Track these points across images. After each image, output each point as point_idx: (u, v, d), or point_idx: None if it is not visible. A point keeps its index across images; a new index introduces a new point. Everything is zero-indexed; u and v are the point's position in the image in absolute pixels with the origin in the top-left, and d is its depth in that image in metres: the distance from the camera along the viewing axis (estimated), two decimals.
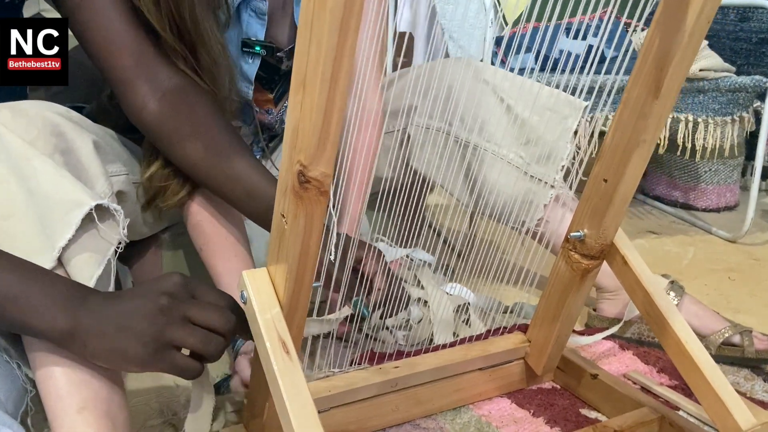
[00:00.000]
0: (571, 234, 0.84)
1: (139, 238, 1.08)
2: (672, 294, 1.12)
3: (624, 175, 0.77)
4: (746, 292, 1.40)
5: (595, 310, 1.21)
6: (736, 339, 1.09)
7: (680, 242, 1.70)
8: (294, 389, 0.60)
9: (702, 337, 1.09)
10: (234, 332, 0.66)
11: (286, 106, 1.21)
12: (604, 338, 1.14)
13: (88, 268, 0.71)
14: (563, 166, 1.14)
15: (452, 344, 0.95)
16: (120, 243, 0.75)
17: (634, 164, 0.77)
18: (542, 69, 1.36)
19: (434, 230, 1.63)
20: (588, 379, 0.97)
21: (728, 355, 1.08)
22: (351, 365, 0.87)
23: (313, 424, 0.59)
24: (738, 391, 1.00)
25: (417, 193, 1.03)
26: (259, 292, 0.65)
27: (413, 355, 0.91)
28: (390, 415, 0.89)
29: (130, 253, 1.13)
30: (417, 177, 1.19)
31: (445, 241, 1.54)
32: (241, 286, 0.66)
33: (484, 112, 1.15)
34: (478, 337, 0.96)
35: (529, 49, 1.51)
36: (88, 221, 0.72)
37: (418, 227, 1.07)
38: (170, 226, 1.13)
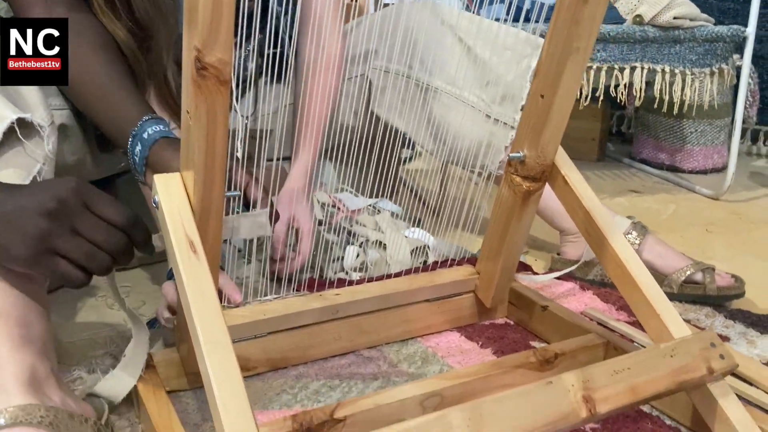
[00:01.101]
0: (511, 155, 0.83)
1: (91, 179, 1.08)
2: (634, 234, 1.10)
3: (559, 88, 0.76)
4: (722, 243, 1.37)
5: (558, 254, 1.19)
6: (698, 277, 1.06)
7: (661, 200, 1.67)
8: (198, 287, 0.59)
9: (664, 276, 1.07)
10: (124, 253, 0.66)
11: (249, 50, 1.20)
12: (565, 279, 1.12)
13: (12, 182, 0.71)
14: (523, 106, 1.13)
15: (397, 275, 0.93)
16: (46, 161, 0.75)
17: (569, 74, 0.75)
18: (515, 20, 1.34)
19: (408, 187, 1.62)
20: (539, 311, 0.95)
21: (690, 293, 1.06)
22: (289, 292, 0.86)
23: (216, 323, 0.58)
24: (698, 327, 0.99)
25: (383, 144, 1.03)
26: (169, 195, 0.64)
27: (355, 284, 0.90)
28: (332, 343, 0.88)
29: None
30: (381, 125, 1.18)
31: (417, 196, 1.53)
32: (154, 191, 0.65)
33: (443, 54, 1.14)
34: (425, 269, 0.95)
35: (501, 0, 1.49)
36: (13, 137, 0.71)
37: (386, 179, 1.06)
38: (126, 172, 1.13)
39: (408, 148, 2.05)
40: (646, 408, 0.80)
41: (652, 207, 1.60)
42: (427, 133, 1.20)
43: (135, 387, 0.75)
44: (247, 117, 1.18)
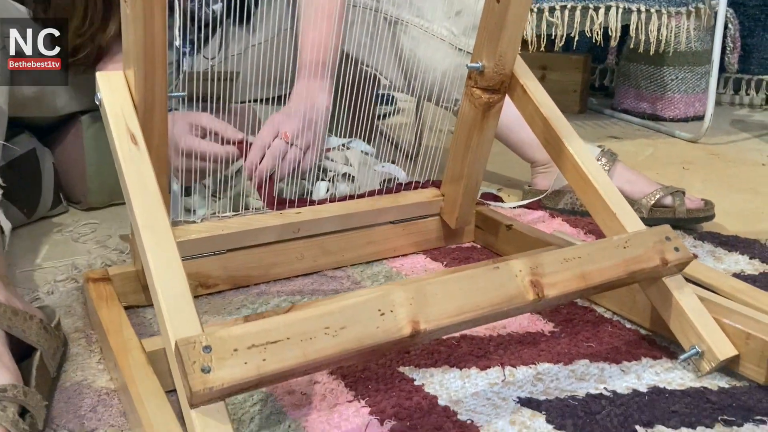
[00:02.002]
0: (470, 65, 0.82)
1: (54, 115, 1.07)
2: (603, 160, 1.09)
3: None
4: (698, 179, 1.36)
5: (529, 186, 1.18)
6: (668, 200, 1.06)
7: (640, 144, 1.66)
8: (138, 176, 0.59)
9: (634, 201, 1.06)
10: None
11: None
12: (535, 208, 1.12)
13: None
14: None
15: (360, 195, 0.93)
16: None
17: None
18: None
19: (385, 136, 1.61)
20: (503, 231, 0.95)
21: (660, 216, 1.05)
22: (248, 210, 0.85)
23: (155, 208, 0.57)
24: None
25: (354, 84, 1.01)
26: (111, 92, 0.63)
27: (317, 204, 0.89)
28: (295, 263, 0.88)
29: (51, 137, 1.12)
30: (351, 63, 1.16)
31: (393, 144, 1.52)
32: (97, 89, 0.64)
33: None
34: (389, 191, 0.95)
35: None
36: None
37: (359, 119, 1.05)
38: (92, 110, 1.12)
39: (388, 104, 2.05)
40: (606, 313, 0.80)
41: (630, 150, 1.60)
42: (397, 69, 1.19)
43: (88, 298, 0.74)
44: (213, 59, 1.17)
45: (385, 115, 1.97)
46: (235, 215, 0.84)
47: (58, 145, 1.11)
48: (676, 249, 0.69)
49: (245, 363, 0.49)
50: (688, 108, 1.89)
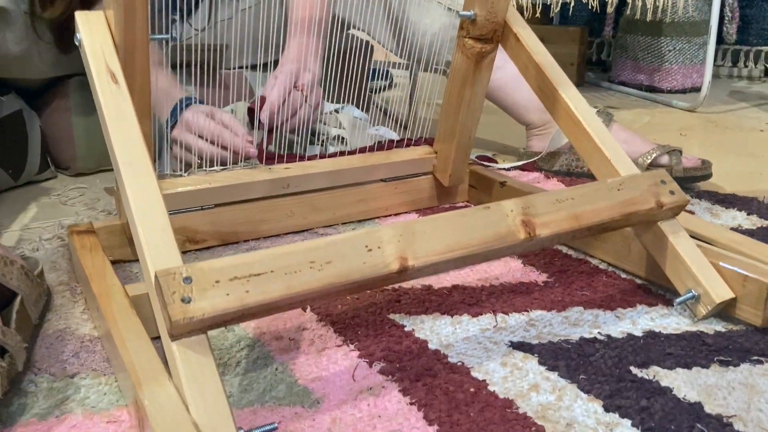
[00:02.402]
0: (462, 13, 0.80)
1: (40, 77, 1.05)
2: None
3: None
4: (695, 143, 1.35)
5: (525, 149, 1.17)
6: (664, 159, 1.04)
7: (637, 113, 1.64)
8: (118, 113, 0.57)
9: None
10: None
11: None
12: (531, 170, 1.11)
13: None
14: None
15: (351, 152, 0.91)
16: None
17: None
18: None
19: (379, 107, 1.60)
20: (497, 188, 0.93)
21: None
22: (237, 164, 0.84)
23: (135, 145, 0.56)
24: None
25: (346, 48, 0.99)
26: (91, 32, 0.62)
27: (306, 160, 0.87)
28: (285, 220, 0.86)
29: (39, 101, 1.10)
30: (341, 27, 1.15)
31: (387, 114, 1.50)
32: (76, 29, 0.63)
33: None
34: (380, 148, 0.93)
35: None
36: None
37: (351, 85, 1.03)
38: (80, 74, 1.10)
39: (384, 79, 2.04)
40: (601, 264, 0.78)
41: (627, 118, 1.58)
42: (389, 31, 1.17)
43: (72, 250, 0.73)
44: (202, 30, 1.15)
45: (381, 89, 1.95)
46: (223, 169, 0.82)
47: (45, 110, 1.10)
48: (672, 192, 0.68)
49: (227, 294, 0.48)
50: (686, 79, 1.87)
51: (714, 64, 2.04)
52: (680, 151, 1.05)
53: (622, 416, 0.52)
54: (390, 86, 1.98)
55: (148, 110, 0.67)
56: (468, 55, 0.82)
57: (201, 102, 0.90)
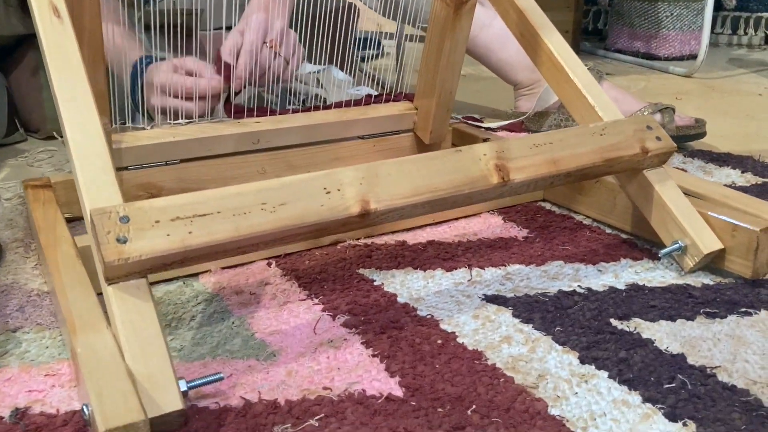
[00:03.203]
0: None
1: (6, 33, 1.01)
2: None
3: None
4: (691, 107, 1.31)
5: (512, 110, 1.13)
6: (656, 118, 1.00)
7: (633, 79, 1.60)
8: (59, 48, 0.53)
9: None
10: None
11: None
12: (518, 130, 1.06)
13: None
14: None
15: (326, 107, 0.87)
16: None
17: None
18: None
19: (366, 74, 1.55)
20: None
21: None
22: (203, 117, 0.80)
23: (77, 80, 0.52)
24: None
25: (330, 9, 0.95)
26: None
27: (279, 114, 0.83)
28: (257, 177, 0.82)
29: (5, 62, 1.06)
30: None
31: (375, 80, 1.46)
32: None
33: None
34: (357, 103, 0.89)
35: None
36: None
37: (335, 47, 0.99)
38: None
39: (374, 48, 1.99)
40: (585, 220, 0.75)
41: (622, 84, 1.53)
42: None
43: (27, 206, 0.69)
44: None
45: (370, 58, 1.91)
46: (188, 122, 0.78)
47: (12, 71, 1.05)
48: (658, 138, 0.64)
49: (168, 235, 0.44)
50: (684, 46, 1.82)
51: (713, 32, 1.99)
52: (673, 109, 1.01)
53: (599, 368, 0.49)
54: (380, 56, 1.93)
55: (100, 58, 0.63)
56: (447, 2, 0.78)
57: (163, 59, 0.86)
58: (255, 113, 0.82)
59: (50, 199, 0.68)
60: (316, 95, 1.06)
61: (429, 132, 0.89)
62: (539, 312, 0.56)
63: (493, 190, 0.55)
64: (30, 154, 1.00)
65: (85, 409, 0.39)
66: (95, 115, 0.50)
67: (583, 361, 0.50)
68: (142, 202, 0.45)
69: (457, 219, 0.75)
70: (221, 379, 0.44)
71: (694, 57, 1.81)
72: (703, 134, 1.00)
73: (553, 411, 0.44)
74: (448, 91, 0.86)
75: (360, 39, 1.56)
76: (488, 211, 0.77)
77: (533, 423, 0.43)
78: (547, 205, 0.79)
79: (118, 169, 0.74)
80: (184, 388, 0.42)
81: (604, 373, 0.48)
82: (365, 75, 1.56)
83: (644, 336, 0.53)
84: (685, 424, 0.43)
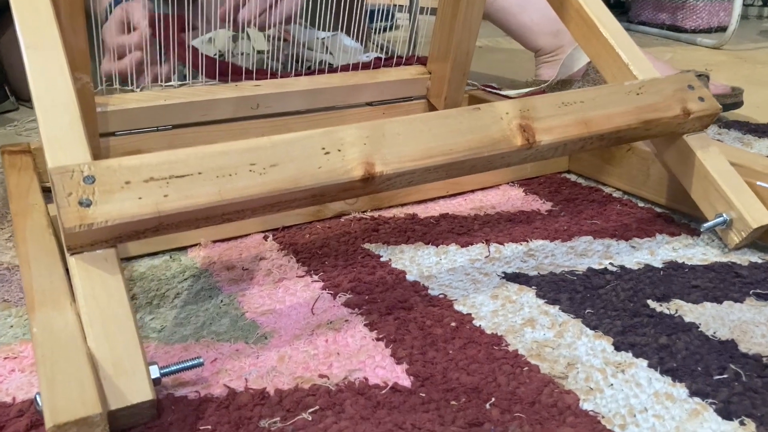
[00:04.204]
0: None
1: None
2: None
3: None
4: (723, 78, 1.23)
5: (534, 78, 1.06)
6: None
7: (658, 51, 1.52)
8: None
9: None
10: None
11: None
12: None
13: None
14: None
15: (332, 70, 0.81)
16: None
17: None
18: None
19: (379, 45, 1.49)
20: None
21: None
22: (197, 79, 0.74)
23: (45, 28, 0.46)
24: None
25: None
26: None
27: (280, 77, 0.77)
28: None
29: None
30: None
31: (384, 49, 1.39)
32: None
33: None
34: (366, 66, 0.82)
35: None
36: None
37: (347, 16, 0.93)
38: None
39: (386, 19, 1.92)
40: (615, 193, 0.68)
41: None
42: None
43: (4, 171, 0.64)
44: None
45: (382, 30, 1.84)
46: (182, 85, 0.72)
47: (3, 37, 1.00)
48: (701, 99, 0.57)
49: (139, 198, 0.38)
50: (712, 17, 1.73)
51: (743, 4, 1.90)
52: (707, 77, 0.93)
53: (636, 355, 0.42)
54: (392, 28, 1.86)
55: (79, 9, 0.57)
56: None
57: None
58: (254, 75, 0.75)
59: (27, 166, 0.62)
60: (323, 62, 0.99)
61: (443, 98, 0.82)
62: (567, 292, 0.49)
63: (516, 154, 0.49)
64: (20, 123, 0.95)
65: (38, 399, 0.34)
66: (63, 64, 0.44)
67: (618, 348, 0.43)
68: (111, 161, 0.39)
69: (472, 191, 0.69)
70: (200, 364, 0.38)
71: (722, 29, 1.73)
72: (740, 104, 0.93)
73: (586, 405, 0.38)
74: (464, 53, 0.79)
75: (371, 10, 1.49)
76: (507, 183, 0.71)
77: (562, 419, 0.37)
78: (572, 177, 0.72)
79: (105, 134, 0.69)
80: (156, 374, 0.36)
81: (643, 362, 0.42)
82: (376, 45, 1.50)
83: (687, 320, 0.46)
84: (742, 423, 0.37)
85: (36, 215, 0.51)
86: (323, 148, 0.44)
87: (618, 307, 0.48)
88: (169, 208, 0.38)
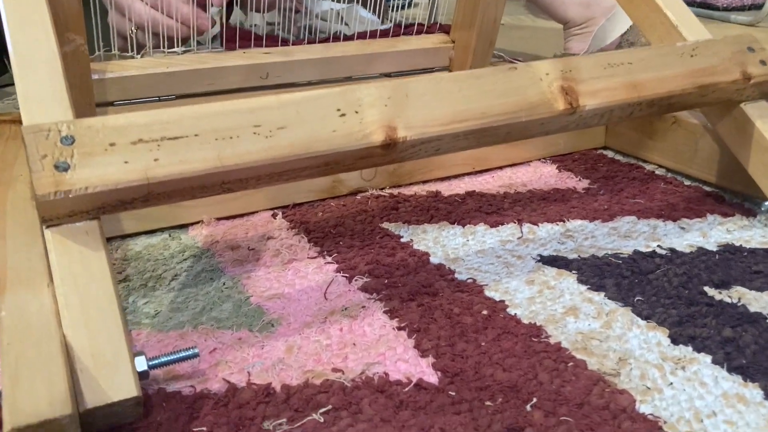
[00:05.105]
0: None
1: None
2: None
3: None
4: None
5: (563, 52, 0.99)
6: None
7: None
8: None
9: None
10: None
11: None
12: None
13: None
14: None
15: (347, 38, 0.75)
16: None
17: None
18: None
19: (396, 23, 1.42)
20: None
21: None
22: (203, 45, 0.68)
23: None
24: None
25: None
26: None
27: (292, 44, 0.71)
28: None
29: None
30: None
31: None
32: None
33: None
34: (385, 34, 0.77)
35: None
36: None
37: None
38: None
39: None
40: (658, 170, 0.62)
41: None
42: None
43: None
44: None
45: (400, 7, 1.78)
46: (186, 51, 0.67)
47: None
48: (763, 62, 0.51)
49: (126, 162, 0.33)
50: None
51: None
52: None
53: (698, 350, 0.37)
54: (409, 5, 1.80)
55: None
56: None
57: None
58: (264, 42, 0.70)
59: (16, 135, 0.57)
60: (338, 32, 0.93)
61: (468, 69, 0.76)
62: (612, 277, 0.44)
63: (556, 119, 0.43)
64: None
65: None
66: (45, 16, 0.39)
67: (675, 341, 0.38)
68: (93, 119, 0.34)
69: (500, 168, 0.63)
70: (196, 355, 0.33)
71: (757, 6, 1.64)
72: None
73: (644, 408, 0.33)
74: (491, 20, 0.73)
75: None
76: (539, 159, 0.65)
77: (617, 424, 0.32)
78: (609, 153, 0.66)
79: (102, 104, 0.63)
80: (143, 367, 0.31)
81: (707, 357, 0.36)
82: (392, 23, 1.44)
83: (752, 309, 0.41)
84: None
85: (20, 187, 0.46)
86: (338, 110, 0.38)
87: (672, 295, 0.42)
88: (160, 174, 0.33)
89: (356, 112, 0.38)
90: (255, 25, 0.92)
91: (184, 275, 0.45)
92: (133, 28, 0.63)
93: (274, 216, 0.53)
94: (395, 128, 0.38)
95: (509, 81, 0.42)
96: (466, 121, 0.40)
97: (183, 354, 0.33)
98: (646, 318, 0.40)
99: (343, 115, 0.38)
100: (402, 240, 0.49)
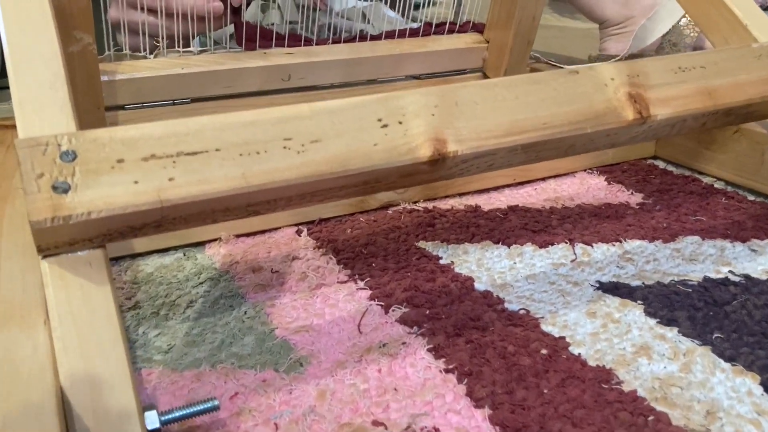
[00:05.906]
0: None
1: None
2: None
3: None
4: None
5: (599, 52, 0.94)
6: None
7: None
8: None
9: None
10: None
11: None
12: None
13: None
14: None
15: (374, 37, 0.70)
16: None
17: None
18: None
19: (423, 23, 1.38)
20: None
21: None
22: (220, 44, 0.64)
23: None
24: None
25: None
26: None
27: (315, 44, 0.66)
28: None
29: None
30: None
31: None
32: None
33: None
34: (414, 33, 0.72)
35: None
36: None
37: None
38: None
39: None
40: (717, 183, 0.57)
41: None
42: None
43: None
44: None
45: (423, 5, 1.73)
46: (202, 51, 0.62)
47: None
48: None
49: (136, 182, 0.28)
50: None
51: None
52: None
53: None
54: (432, 3, 1.75)
55: None
56: None
57: None
58: (286, 42, 0.65)
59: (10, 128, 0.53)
60: (363, 31, 0.89)
61: (503, 71, 0.71)
62: (684, 309, 0.39)
63: (625, 130, 0.38)
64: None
65: None
66: (47, 11, 0.35)
67: None
68: (99, 131, 0.29)
69: (543, 179, 0.58)
70: (216, 408, 0.29)
71: None
72: None
73: None
74: (530, 17, 0.68)
75: None
76: (585, 170, 0.60)
77: None
78: (661, 164, 0.61)
79: (112, 108, 0.59)
80: (154, 425, 0.27)
81: None
82: (420, 21, 1.39)
83: None
84: None
85: (20, 201, 0.41)
86: (379, 120, 0.33)
87: (755, 331, 0.37)
88: (175, 196, 0.28)
89: (400, 123, 0.33)
90: (273, 24, 0.87)
91: (200, 302, 0.40)
92: (143, 19, 0.59)
93: (298, 233, 0.49)
94: (444, 141, 0.34)
95: (572, 87, 0.37)
96: (526, 133, 0.35)
97: (201, 407, 0.28)
98: (729, 360, 0.35)
99: (384, 126, 0.33)
100: (441, 262, 0.44)
